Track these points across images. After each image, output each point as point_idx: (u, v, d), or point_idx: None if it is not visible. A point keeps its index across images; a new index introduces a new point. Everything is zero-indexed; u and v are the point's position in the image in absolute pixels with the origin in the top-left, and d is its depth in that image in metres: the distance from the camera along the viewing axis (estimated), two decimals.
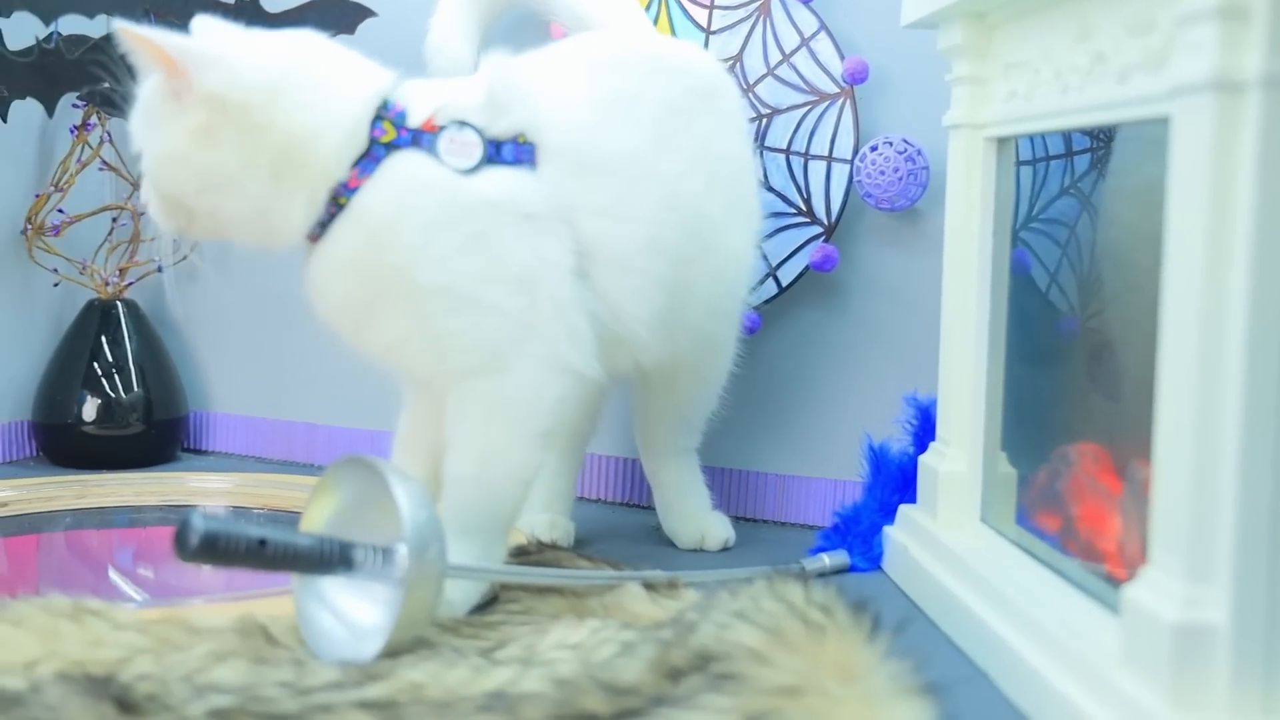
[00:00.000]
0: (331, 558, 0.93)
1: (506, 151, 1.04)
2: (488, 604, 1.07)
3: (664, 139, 1.16)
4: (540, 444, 1.07)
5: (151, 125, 1.03)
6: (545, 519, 1.34)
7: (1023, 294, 1.15)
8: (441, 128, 1.04)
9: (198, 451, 1.82)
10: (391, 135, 1.03)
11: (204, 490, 1.51)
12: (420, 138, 1.03)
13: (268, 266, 1.75)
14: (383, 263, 1.02)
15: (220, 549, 0.88)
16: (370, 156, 1.02)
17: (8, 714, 0.78)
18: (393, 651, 0.92)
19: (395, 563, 0.94)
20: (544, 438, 1.07)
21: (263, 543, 0.90)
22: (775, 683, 0.81)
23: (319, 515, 1.00)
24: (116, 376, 1.70)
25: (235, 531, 0.89)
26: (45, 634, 0.92)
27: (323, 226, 1.04)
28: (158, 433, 1.74)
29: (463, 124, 1.04)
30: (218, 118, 1.00)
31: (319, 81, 1.03)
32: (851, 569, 1.27)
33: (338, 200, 1.03)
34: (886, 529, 1.28)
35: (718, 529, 1.36)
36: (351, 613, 0.97)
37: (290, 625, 0.99)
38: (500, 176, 1.04)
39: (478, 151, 1.03)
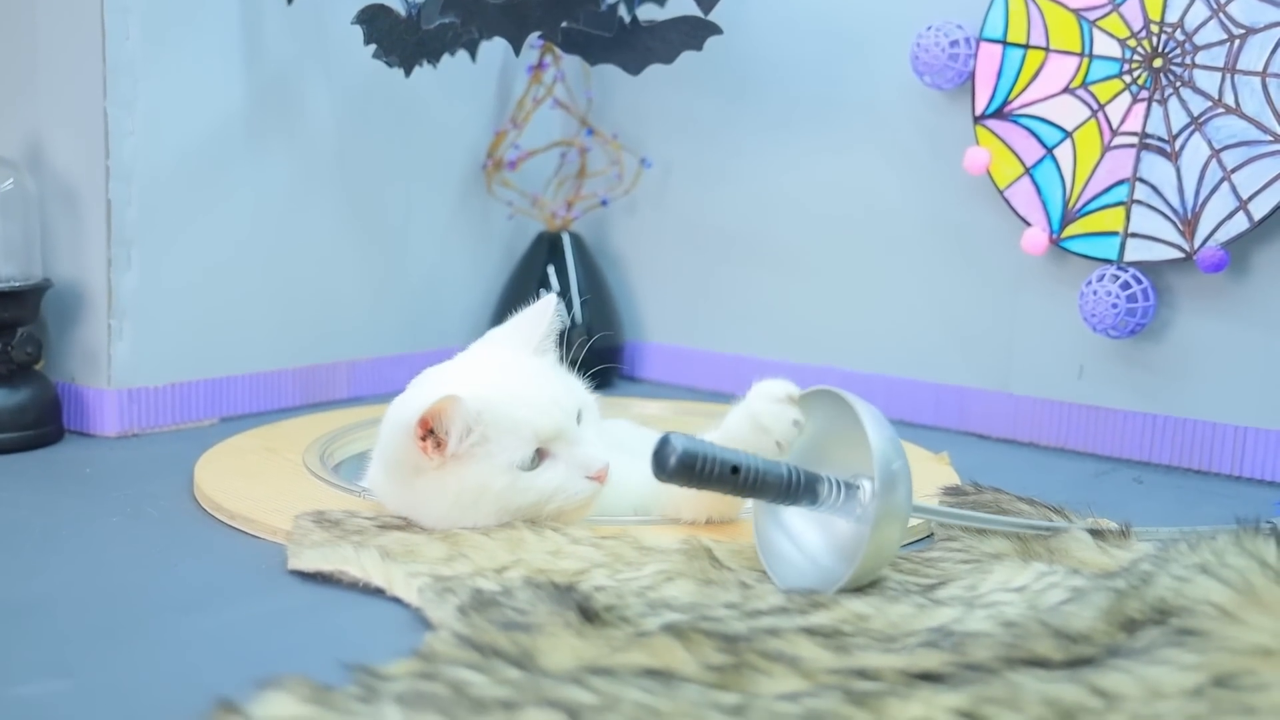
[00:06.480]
0: (797, 488, 0.94)
1: None
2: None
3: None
4: None
5: None
6: None
7: None
8: None
9: (632, 379, 1.90)
10: None
11: (644, 415, 1.57)
12: None
13: (703, 203, 1.79)
14: None
15: (696, 470, 0.91)
16: None
17: (484, 613, 0.84)
18: (854, 587, 0.92)
19: (858, 499, 0.94)
20: None
21: (735, 468, 0.92)
22: (1248, 642, 0.76)
23: None
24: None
25: (711, 454, 0.91)
26: (511, 542, 0.99)
27: None
28: (597, 360, 1.81)
29: None
30: None
31: None
32: None
33: None
34: None
35: None
36: (809, 542, 0.98)
37: (732, 549, 1.01)
38: None
39: None
